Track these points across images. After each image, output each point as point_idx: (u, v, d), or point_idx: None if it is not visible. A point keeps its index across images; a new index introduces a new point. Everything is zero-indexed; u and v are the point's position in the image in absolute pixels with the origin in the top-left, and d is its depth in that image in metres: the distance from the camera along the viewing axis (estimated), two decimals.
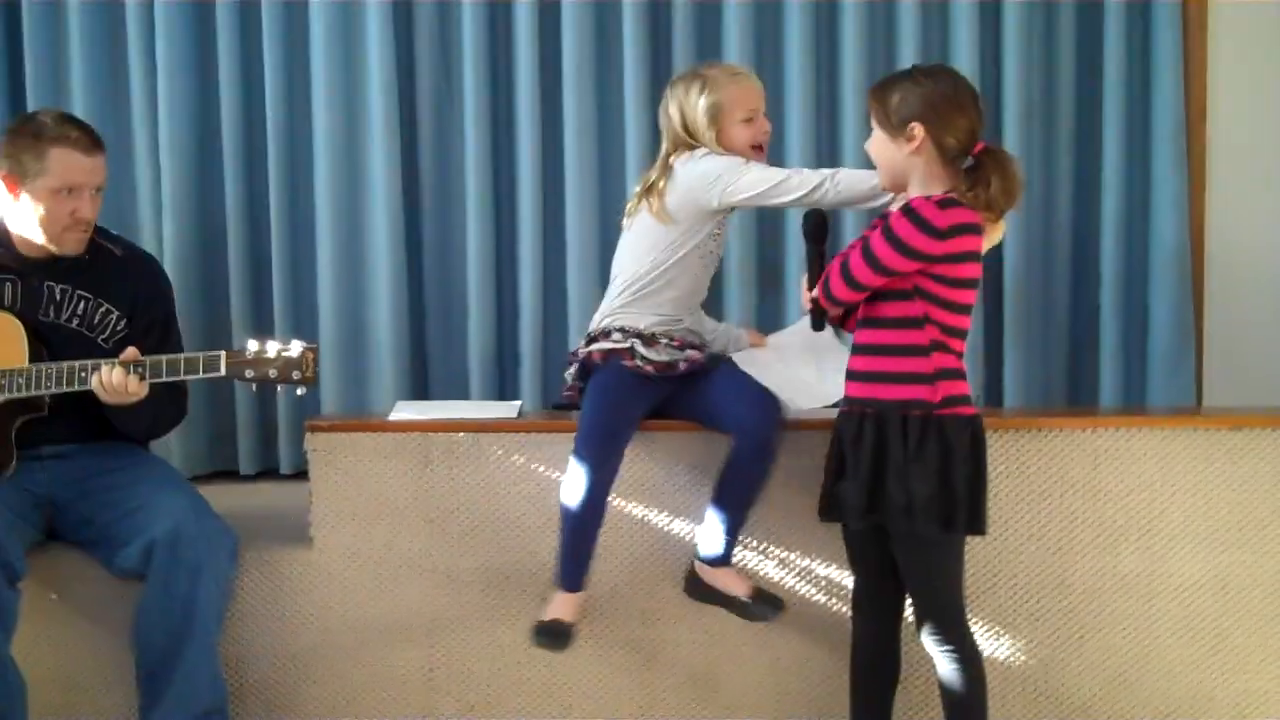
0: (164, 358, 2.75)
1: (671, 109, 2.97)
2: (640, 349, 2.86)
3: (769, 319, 3.73)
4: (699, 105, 2.91)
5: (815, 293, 2.61)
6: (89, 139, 2.86)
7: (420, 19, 3.84)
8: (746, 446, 2.81)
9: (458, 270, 3.89)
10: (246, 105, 3.85)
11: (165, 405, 2.92)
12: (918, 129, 2.46)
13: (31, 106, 3.78)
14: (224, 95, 3.81)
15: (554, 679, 3.04)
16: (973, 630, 2.61)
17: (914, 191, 2.51)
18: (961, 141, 2.47)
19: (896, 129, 2.49)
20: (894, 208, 2.54)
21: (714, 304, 3.44)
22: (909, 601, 2.65)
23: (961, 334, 2.53)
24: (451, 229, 3.90)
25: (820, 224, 2.74)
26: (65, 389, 2.77)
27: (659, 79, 3.72)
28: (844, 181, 2.81)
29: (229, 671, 2.96)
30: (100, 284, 2.94)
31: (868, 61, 3.76)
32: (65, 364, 2.77)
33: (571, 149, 3.80)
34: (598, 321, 2.99)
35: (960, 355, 2.53)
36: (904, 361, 2.50)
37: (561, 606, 2.84)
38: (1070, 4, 3.83)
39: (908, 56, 3.69)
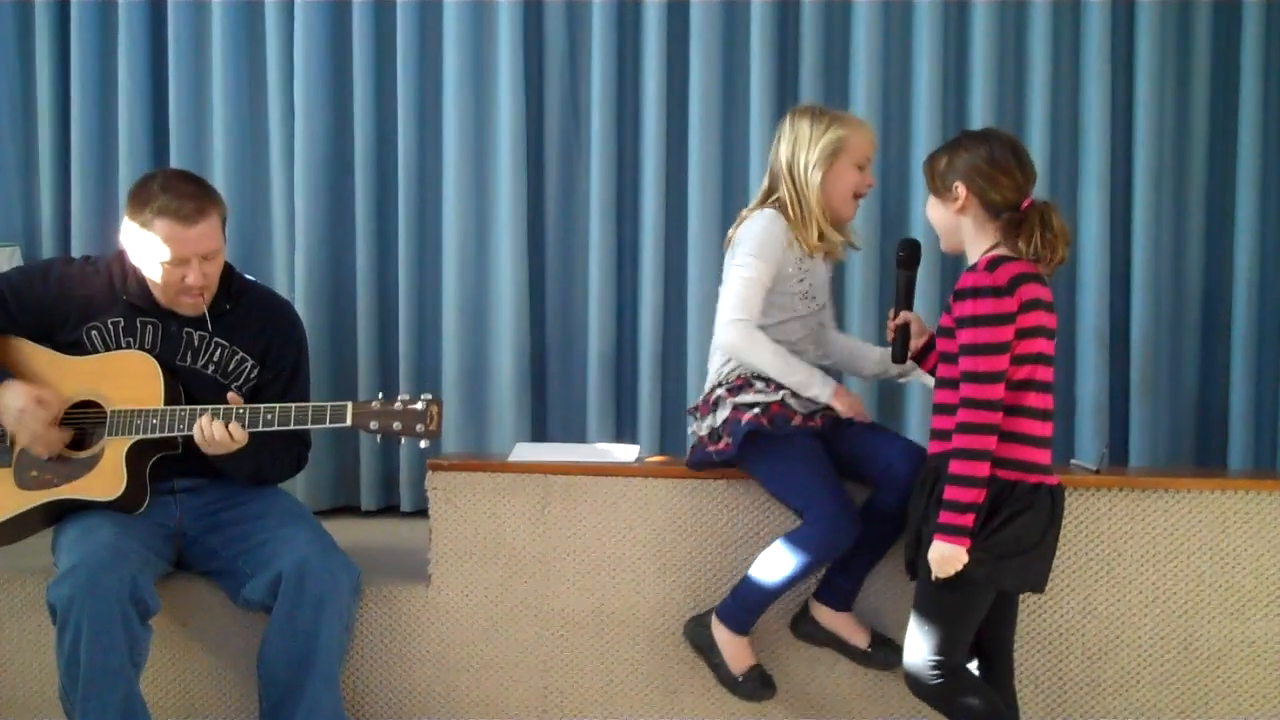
0: (292, 406, 2.78)
1: (783, 143, 2.94)
2: (790, 400, 2.84)
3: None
4: (820, 140, 2.89)
5: (962, 386, 2.53)
6: (192, 207, 2.77)
7: (550, 58, 3.92)
8: (895, 498, 2.77)
9: (579, 313, 3.95)
10: (379, 143, 3.96)
11: (278, 453, 2.95)
12: (960, 188, 2.56)
13: (174, 118, 3.95)
14: (358, 133, 3.93)
15: None
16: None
17: (968, 248, 2.60)
18: (1007, 198, 2.55)
19: (943, 191, 2.60)
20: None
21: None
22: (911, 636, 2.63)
23: (1039, 386, 2.52)
24: (574, 270, 3.96)
25: (914, 251, 2.82)
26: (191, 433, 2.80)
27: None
28: (747, 356, 2.86)
29: (345, 705, 2.98)
30: (237, 332, 2.97)
31: (996, 117, 3.75)
32: (195, 408, 2.80)
33: (695, 192, 3.85)
34: (722, 361, 2.96)
35: (1039, 413, 2.52)
36: (950, 419, 2.53)
37: (746, 652, 2.85)
38: (1204, 61, 3.80)
39: (1037, 112, 3.74)
